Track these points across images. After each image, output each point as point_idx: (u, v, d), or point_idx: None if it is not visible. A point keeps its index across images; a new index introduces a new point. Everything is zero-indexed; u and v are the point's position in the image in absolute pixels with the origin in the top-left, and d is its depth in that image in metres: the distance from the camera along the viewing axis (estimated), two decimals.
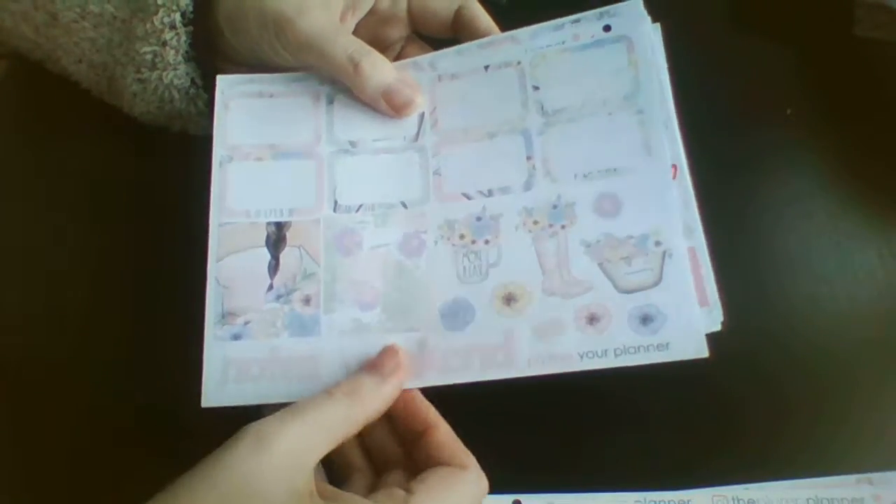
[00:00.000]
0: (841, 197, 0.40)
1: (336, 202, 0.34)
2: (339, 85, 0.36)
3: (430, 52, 0.38)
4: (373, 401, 0.29)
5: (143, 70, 0.36)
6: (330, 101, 0.36)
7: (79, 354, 0.37)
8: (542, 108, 0.34)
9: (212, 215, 0.34)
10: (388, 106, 0.35)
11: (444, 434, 0.30)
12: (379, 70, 0.34)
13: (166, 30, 0.35)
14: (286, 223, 0.34)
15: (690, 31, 0.40)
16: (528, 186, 0.33)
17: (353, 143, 0.35)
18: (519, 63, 0.35)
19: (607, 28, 0.34)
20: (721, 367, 0.33)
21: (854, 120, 0.41)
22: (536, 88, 0.34)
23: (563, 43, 0.34)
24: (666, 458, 0.34)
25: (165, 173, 0.39)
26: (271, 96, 0.36)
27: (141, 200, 0.40)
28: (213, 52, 0.37)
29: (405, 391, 0.31)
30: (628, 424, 0.35)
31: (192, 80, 0.37)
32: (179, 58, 0.36)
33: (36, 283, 0.39)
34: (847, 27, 0.42)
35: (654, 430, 0.35)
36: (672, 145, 0.32)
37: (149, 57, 0.36)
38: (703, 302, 0.30)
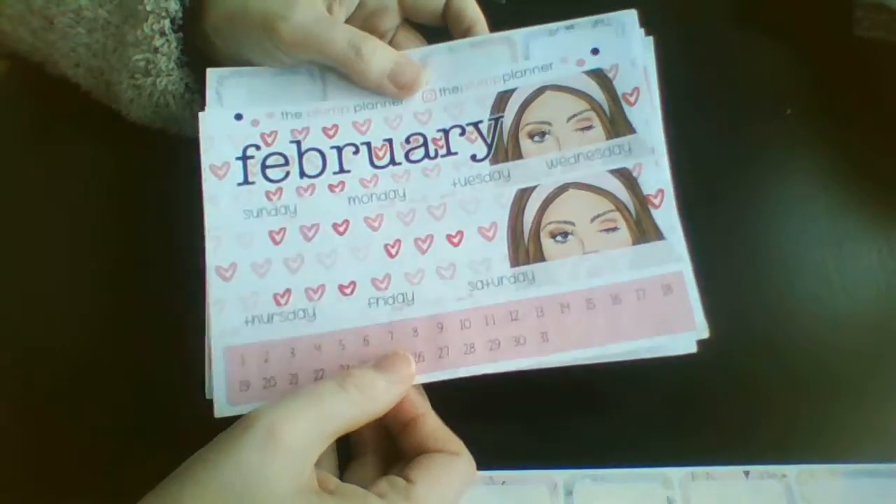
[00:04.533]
0: (841, 197, 0.39)
1: None
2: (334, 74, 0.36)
3: (420, 39, 0.39)
4: (382, 401, 0.29)
5: (137, 76, 0.36)
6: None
7: (79, 353, 0.37)
8: None
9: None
10: (395, 87, 0.35)
11: (433, 422, 0.30)
12: (380, 54, 0.34)
13: (156, 36, 0.35)
14: None
15: (690, 30, 0.40)
16: None
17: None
18: None
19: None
20: (722, 365, 0.33)
21: (854, 120, 0.40)
22: None
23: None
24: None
25: (166, 173, 0.39)
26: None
27: (141, 200, 0.40)
28: (206, 58, 0.37)
29: None
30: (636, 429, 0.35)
31: (187, 86, 0.37)
32: (172, 64, 0.36)
33: (36, 282, 0.39)
34: (847, 27, 0.42)
35: (662, 417, 0.35)
36: (658, 171, 0.32)
37: (141, 63, 0.36)
38: (689, 327, 0.30)
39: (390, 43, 0.39)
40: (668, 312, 0.30)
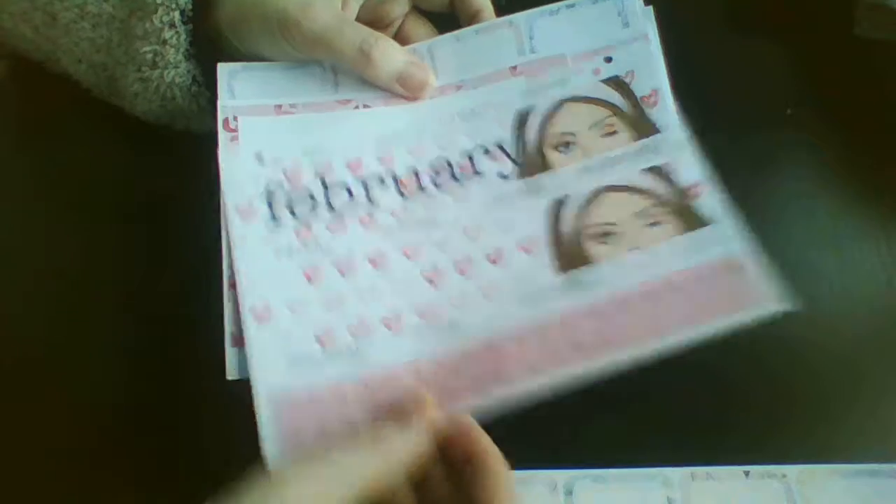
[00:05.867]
0: (841, 197, 0.39)
1: None
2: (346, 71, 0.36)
3: (429, 25, 0.39)
4: (400, 449, 0.27)
5: (143, 69, 0.36)
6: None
7: (77, 354, 0.37)
8: None
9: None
10: (405, 89, 0.35)
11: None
12: (389, 57, 0.35)
13: (166, 28, 0.35)
14: None
15: (689, 30, 0.40)
16: None
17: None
18: None
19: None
20: (723, 365, 0.33)
21: (854, 120, 0.41)
22: None
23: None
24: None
25: (167, 173, 0.39)
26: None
27: (142, 200, 0.40)
28: (215, 50, 0.37)
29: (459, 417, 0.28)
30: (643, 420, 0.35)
31: (194, 78, 0.37)
32: (180, 56, 0.36)
33: (35, 282, 0.39)
34: (847, 27, 0.42)
35: (662, 417, 0.35)
36: (692, 164, 0.32)
37: (149, 56, 0.36)
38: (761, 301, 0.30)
39: (399, 30, 0.39)
40: (735, 292, 0.30)
